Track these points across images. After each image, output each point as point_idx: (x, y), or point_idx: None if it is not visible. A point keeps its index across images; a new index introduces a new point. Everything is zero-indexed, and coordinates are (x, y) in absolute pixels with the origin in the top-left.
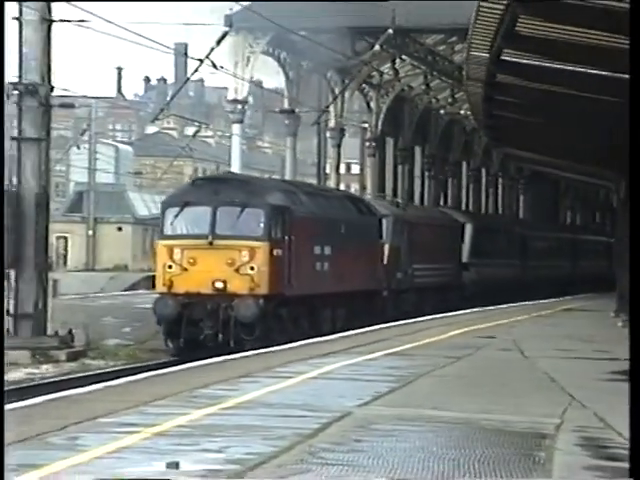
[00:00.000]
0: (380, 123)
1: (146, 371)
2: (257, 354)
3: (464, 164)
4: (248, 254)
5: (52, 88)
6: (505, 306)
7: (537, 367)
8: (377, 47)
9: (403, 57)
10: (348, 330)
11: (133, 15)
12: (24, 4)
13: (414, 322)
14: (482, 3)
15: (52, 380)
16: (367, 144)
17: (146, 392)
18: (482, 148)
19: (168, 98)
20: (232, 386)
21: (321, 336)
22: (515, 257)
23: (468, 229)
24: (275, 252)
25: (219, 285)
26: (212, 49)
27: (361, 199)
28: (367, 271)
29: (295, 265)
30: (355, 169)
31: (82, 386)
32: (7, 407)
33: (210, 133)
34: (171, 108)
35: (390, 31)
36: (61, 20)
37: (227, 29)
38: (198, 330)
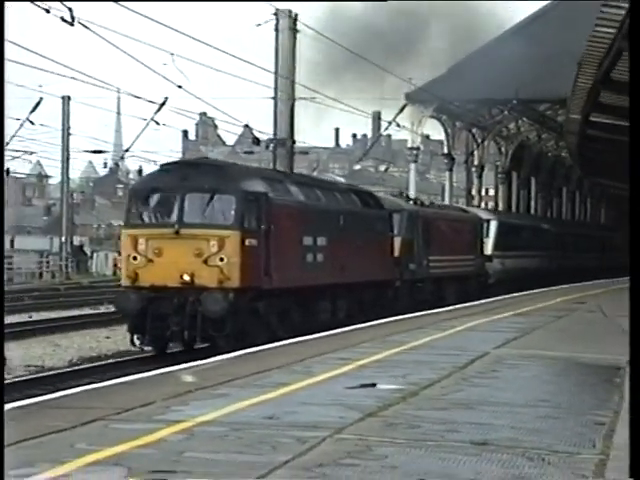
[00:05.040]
0: (508, 162)
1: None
2: (426, 314)
3: (564, 189)
4: (217, 244)
5: (294, 142)
6: (590, 283)
7: (614, 323)
8: (505, 112)
9: (523, 119)
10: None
11: (344, 92)
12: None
13: (528, 294)
14: (577, 83)
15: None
16: (499, 176)
17: (355, 338)
18: (576, 178)
19: (368, 147)
20: (409, 335)
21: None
22: (541, 249)
23: (493, 225)
24: (248, 242)
25: (186, 278)
26: (397, 114)
27: (370, 194)
28: (373, 263)
29: (275, 256)
30: (491, 192)
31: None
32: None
33: (395, 169)
34: (370, 153)
35: (514, 101)
36: (300, 98)
37: (406, 102)
38: (165, 326)
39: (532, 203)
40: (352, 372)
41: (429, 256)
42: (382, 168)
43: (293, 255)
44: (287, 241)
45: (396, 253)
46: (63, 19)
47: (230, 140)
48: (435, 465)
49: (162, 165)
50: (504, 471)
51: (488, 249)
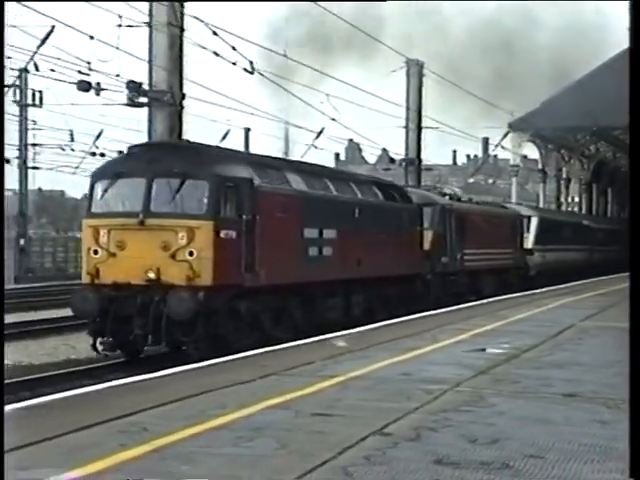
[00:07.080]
0: (589, 175)
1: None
2: (522, 295)
3: None
4: (186, 236)
5: (421, 160)
6: None
7: None
8: (587, 137)
9: (601, 142)
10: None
11: (463, 120)
12: None
13: (606, 278)
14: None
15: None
16: (582, 186)
17: (467, 314)
18: None
19: (479, 165)
20: (512, 310)
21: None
22: (581, 243)
23: (534, 221)
24: (224, 234)
25: (151, 275)
26: (501, 139)
27: (396, 187)
28: (397, 256)
29: (263, 250)
30: (576, 199)
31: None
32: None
33: (501, 182)
34: (480, 170)
35: (594, 128)
36: (426, 127)
37: (508, 129)
38: (129, 329)
39: (609, 208)
40: (468, 339)
41: (464, 249)
42: (490, 181)
43: (290, 248)
44: (280, 233)
45: (426, 247)
46: (245, 69)
47: (371, 160)
48: (533, 412)
49: (129, 147)
50: (589, 416)
51: (529, 243)
